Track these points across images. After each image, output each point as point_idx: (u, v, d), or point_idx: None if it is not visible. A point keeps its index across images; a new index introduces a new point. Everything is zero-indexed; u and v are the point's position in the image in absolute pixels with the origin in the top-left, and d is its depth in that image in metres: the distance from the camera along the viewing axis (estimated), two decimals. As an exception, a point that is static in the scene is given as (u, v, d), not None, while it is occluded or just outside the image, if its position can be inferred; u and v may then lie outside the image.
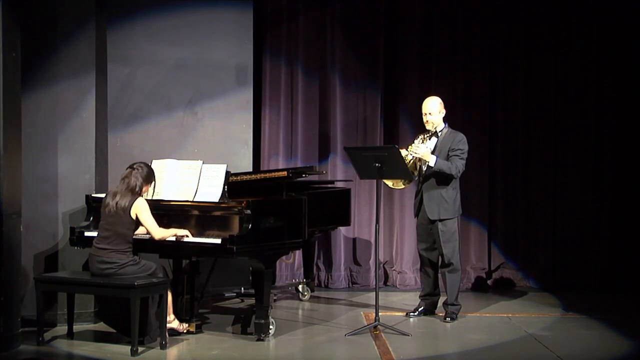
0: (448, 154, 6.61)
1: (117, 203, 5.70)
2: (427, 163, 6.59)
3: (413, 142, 6.76)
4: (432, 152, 6.63)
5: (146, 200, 5.81)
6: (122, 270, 5.68)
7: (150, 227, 5.75)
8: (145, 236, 5.87)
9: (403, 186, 6.79)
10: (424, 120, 6.73)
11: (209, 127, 7.59)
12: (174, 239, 5.82)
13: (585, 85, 8.36)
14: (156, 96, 7.39)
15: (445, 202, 6.62)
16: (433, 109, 6.70)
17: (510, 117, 8.42)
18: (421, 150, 6.60)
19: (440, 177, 6.61)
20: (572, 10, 8.36)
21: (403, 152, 6.48)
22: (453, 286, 6.73)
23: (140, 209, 5.71)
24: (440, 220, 6.64)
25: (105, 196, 5.84)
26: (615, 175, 8.33)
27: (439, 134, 6.70)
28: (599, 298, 7.91)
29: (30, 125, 6.27)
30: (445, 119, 6.79)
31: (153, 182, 5.93)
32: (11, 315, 5.68)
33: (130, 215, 5.70)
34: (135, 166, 5.82)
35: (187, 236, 5.81)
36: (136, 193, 5.75)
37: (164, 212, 6.00)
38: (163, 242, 5.82)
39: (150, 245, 5.88)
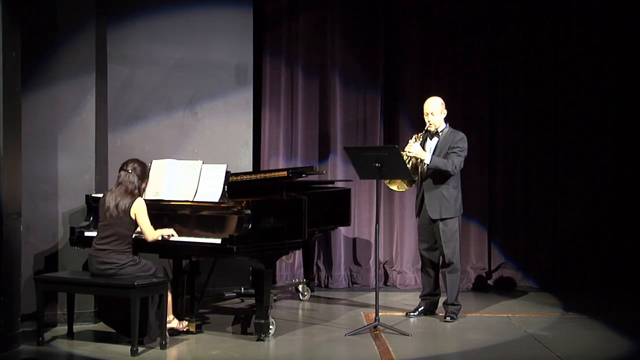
0: (447, 153, 6.62)
1: (117, 205, 5.70)
2: (423, 161, 6.59)
3: (408, 142, 6.76)
4: (434, 152, 6.63)
5: (145, 200, 5.82)
6: (122, 270, 5.68)
7: (145, 229, 5.75)
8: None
9: (407, 187, 6.78)
10: (426, 120, 6.73)
11: (209, 127, 7.58)
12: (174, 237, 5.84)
13: (586, 85, 8.36)
14: (156, 96, 7.39)
15: (447, 201, 6.62)
16: (434, 109, 6.71)
17: (510, 117, 8.42)
18: (414, 149, 6.60)
19: (440, 176, 6.61)
20: (572, 10, 8.36)
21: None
22: (453, 286, 6.73)
23: (140, 210, 5.73)
24: (442, 220, 6.64)
25: (103, 197, 5.85)
26: (616, 175, 8.33)
27: (440, 134, 6.70)
28: (599, 298, 7.91)
29: (30, 125, 6.26)
30: (446, 119, 6.79)
31: (148, 178, 5.94)
32: (11, 315, 5.68)
33: (130, 216, 5.71)
34: (127, 168, 5.81)
35: (172, 235, 5.83)
36: (135, 194, 5.76)
37: (164, 212, 6.00)
38: (165, 242, 5.83)
39: (150, 245, 5.88)
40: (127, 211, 5.70)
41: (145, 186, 5.93)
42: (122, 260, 5.70)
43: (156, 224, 5.89)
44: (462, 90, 8.38)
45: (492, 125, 8.42)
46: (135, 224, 5.75)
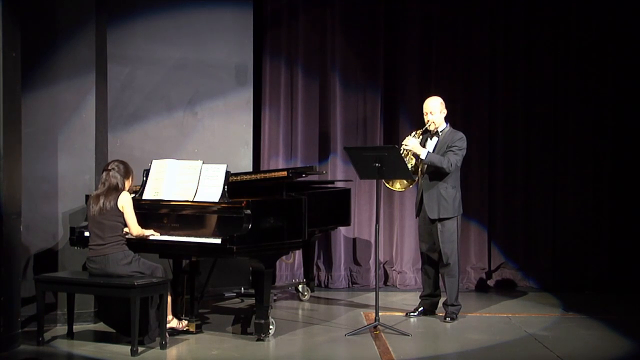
0: (445, 151, 6.61)
1: (103, 203, 5.74)
2: (419, 157, 6.58)
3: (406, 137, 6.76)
4: (433, 151, 6.63)
5: (145, 200, 5.82)
6: (122, 268, 5.68)
7: (131, 222, 5.79)
8: None
9: (409, 185, 6.77)
10: (425, 120, 6.73)
11: (209, 127, 7.59)
12: (154, 237, 5.89)
13: (585, 85, 8.36)
14: (156, 96, 7.39)
15: (445, 201, 6.62)
16: (434, 109, 6.70)
17: (510, 117, 8.42)
18: (411, 143, 6.59)
19: (438, 176, 6.60)
20: (572, 9, 8.36)
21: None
22: (452, 287, 6.72)
23: (126, 202, 5.77)
24: (440, 220, 6.64)
25: (89, 200, 5.87)
26: (615, 175, 8.33)
27: (440, 134, 6.70)
28: (599, 298, 7.91)
29: (30, 125, 6.28)
30: (446, 119, 6.79)
31: (132, 176, 5.96)
32: (11, 315, 5.68)
33: (118, 209, 5.75)
34: (110, 167, 5.86)
35: (153, 234, 5.88)
36: (120, 189, 5.80)
37: (164, 212, 6.00)
38: (164, 242, 5.85)
39: (150, 245, 5.88)
40: (115, 205, 5.73)
41: (130, 185, 5.94)
42: (119, 255, 5.70)
43: (156, 223, 5.91)
44: (461, 90, 8.38)
45: (492, 125, 8.42)
46: (123, 216, 5.78)
